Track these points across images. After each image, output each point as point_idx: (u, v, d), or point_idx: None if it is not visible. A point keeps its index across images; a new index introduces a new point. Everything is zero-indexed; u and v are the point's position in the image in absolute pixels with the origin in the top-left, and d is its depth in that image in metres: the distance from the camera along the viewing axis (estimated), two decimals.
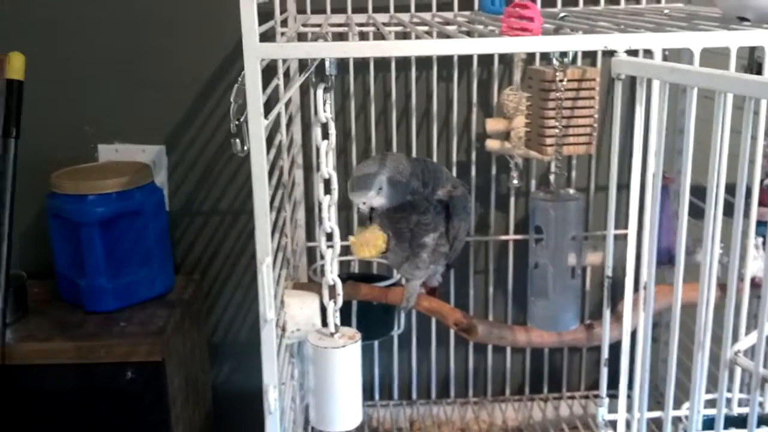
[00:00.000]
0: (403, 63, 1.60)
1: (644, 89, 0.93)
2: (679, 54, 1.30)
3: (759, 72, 1.07)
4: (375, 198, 1.16)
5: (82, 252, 1.46)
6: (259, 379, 1.00)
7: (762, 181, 1.00)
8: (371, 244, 1.22)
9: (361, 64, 1.59)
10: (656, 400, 1.55)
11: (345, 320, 1.37)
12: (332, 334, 1.03)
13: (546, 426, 1.74)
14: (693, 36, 0.96)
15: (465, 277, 1.70)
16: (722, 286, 0.93)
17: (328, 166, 0.99)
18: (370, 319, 1.44)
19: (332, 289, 1.02)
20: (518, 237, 1.67)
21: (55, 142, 1.65)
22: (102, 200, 1.46)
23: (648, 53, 0.99)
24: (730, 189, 0.87)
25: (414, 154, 1.62)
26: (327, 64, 0.98)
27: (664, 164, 0.94)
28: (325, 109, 0.99)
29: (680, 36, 0.97)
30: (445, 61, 1.60)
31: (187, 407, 1.53)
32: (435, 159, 1.62)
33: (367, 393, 1.76)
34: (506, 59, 1.60)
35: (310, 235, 1.64)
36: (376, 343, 1.72)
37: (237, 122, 0.93)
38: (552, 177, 1.23)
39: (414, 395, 1.78)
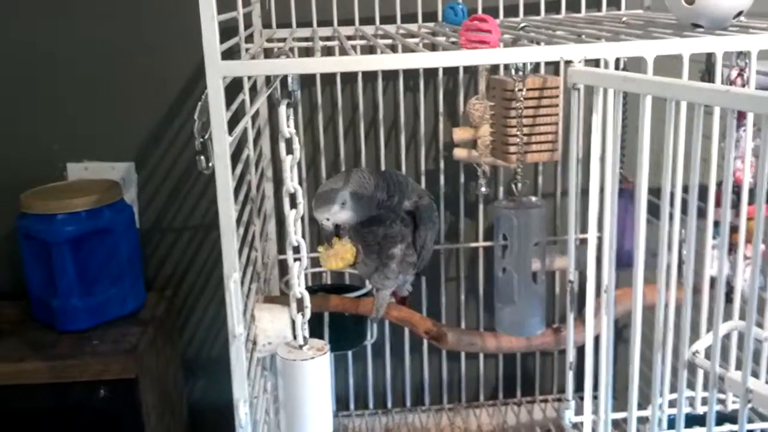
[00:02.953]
0: (370, 75, 1.61)
1: (600, 98, 0.95)
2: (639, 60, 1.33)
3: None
4: (338, 213, 1.19)
5: (53, 271, 1.46)
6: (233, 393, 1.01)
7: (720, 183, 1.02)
8: (339, 255, 1.24)
9: (329, 77, 1.60)
10: (626, 401, 1.57)
11: (317, 331, 1.38)
12: (301, 347, 1.03)
13: (520, 430, 1.76)
14: (646, 44, 0.99)
15: (437, 284, 1.72)
16: None
17: (293, 181, 1.00)
18: (343, 329, 1.45)
19: (300, 301, 1.02)
20: (488, 244, 1.69)
21: (25, 162, 1.65)
22: (72, 219, 1.46)
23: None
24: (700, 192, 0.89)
25: (383, 164, 1.64)
26: (289, 80, 0.99)
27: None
28: (288, 124, 1.00)
29: (634, 44, 0.99)
30: (411, 72, 1.62)
31: (161, 424, 1.53)
32: (404, 169, 1.64)
33: (342, 403, 1.77)
34: (471, 69, 1.62)
35: (282, 248, 1.65)
36: (349, 353, 1.73)
37: (201, 140, 0.94)
38: (514, 185, 1.25)
39: (389, 404, 1.79)
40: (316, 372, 1.02)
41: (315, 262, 1.62)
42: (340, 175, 1.22)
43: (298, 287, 1.02)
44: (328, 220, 1.19)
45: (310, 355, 1.02)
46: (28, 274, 1.52)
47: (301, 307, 1.03)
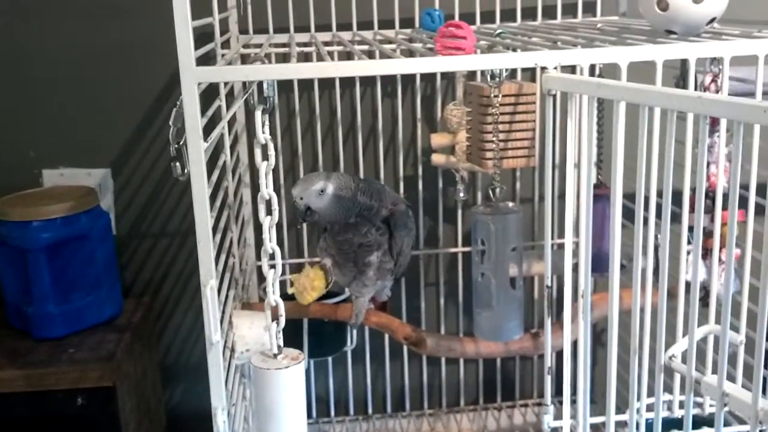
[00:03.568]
0: (348, 80, 1.61)
1: (575, 104, 0.96)
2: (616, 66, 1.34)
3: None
4: (314, 198, 1.19)
5: (29, 279, 1.45)
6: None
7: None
8: (309, 287, 1.25)
9: (306, 82, 1.60)
10: (605, 405, 1.58)
11: (297, 338, 1.38)
12: (275, 356, 1.02)
13: None
14: (620, 51, 0.99)
15: (416, 289, 1.72)
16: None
17: (268, 188, 1.00)
18: (323, 335, 1.45)
19: (274, 309, 1.01)
20: (467, 249, 1.68)
21: (0, 168, 1.63)
22: (47, 226, 1.44)
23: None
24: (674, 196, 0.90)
25: (361, 170, 1.63)
26: (265, 86, 0.99)
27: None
28: (264, 130, 1.00)
29: (607, 51, 1.00)
30: (388, 78, 1.62)
31: (140, 431, 1.52)
32: (382, 174, 1.64)
33: (323, 410, 1.77)
34: (448, 75, 1.62)
35: (260, 254, 1.64)
36: (329, 359, 1.72)
37: (176, 146, 0.94)
38: (491, 191, 1.25)
39: (370, 410, 1.78)
40: (290, 381, 1.00)
41: (292, 269, 1.62)
42: (327, 172, 1.24)
43: (273, 295, 1.01)
44: (302, 199, 1.20)
45: (285, 365, 1.00)
46: (3, 281, 1.51)
47: (275, 316, 1.02)
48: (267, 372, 0.99)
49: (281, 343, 1.02)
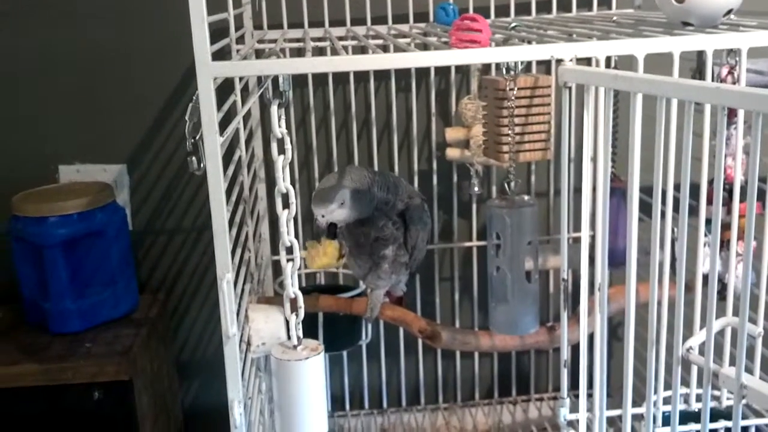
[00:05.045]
0: (362, 75, 1.61)
1: (591, 96, 0.96)
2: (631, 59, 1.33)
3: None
4: (336, 211, 1.18)
5: (46, 274, 1.46)
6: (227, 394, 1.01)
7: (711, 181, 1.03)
8: (321, 252, 1.25)
9: (321, 77, 1.60)
10: (621, 399, 1.58)
11: (311, 332, 1.38)
12: (295, 347, 1.03)
13: (515, 429, 1.76)
14: (636, 43, 0.99)
15: (431, 284, 1.72)
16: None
17: (285, 181, 1.00)
18: (337, 329, 1.45)
19: (293, 302, 1.02)
20: (481, 243, 1.69)
21: (16, 164, 1.65)
22: (64, 222, 1.45)
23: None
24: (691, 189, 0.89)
25: (376, 164, 1.64)
26: (280, 80, 0.99)
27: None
28: (280, 124, 1.00)
29: (624, 43, 0.99)
30: (403, 72, 1.62)
31: (156, 426, 1.53)
32: (397, 169, 1.64)
33: (338, 403, 1.77)
34: (463, 69, 1.62)
35: (275, 249, 1.64)
36: (344, 353, 1.73)
37: (193, 141, 0.94)
38: (507, 184, 1.25)
39: (384, 404, 1.79)
40: (310, 372, 1.01)
41: None
42: (337, 173, 1.22)
43: (292, 287, 1.02)
44: (323, 216, 1.19)
45: (305, 356, 1.01)
46: (20, 277, 1.52)
47: (294, 308, 1.03)
48: (288, 363, 1.00)
49: (301, 334, 1.03)
